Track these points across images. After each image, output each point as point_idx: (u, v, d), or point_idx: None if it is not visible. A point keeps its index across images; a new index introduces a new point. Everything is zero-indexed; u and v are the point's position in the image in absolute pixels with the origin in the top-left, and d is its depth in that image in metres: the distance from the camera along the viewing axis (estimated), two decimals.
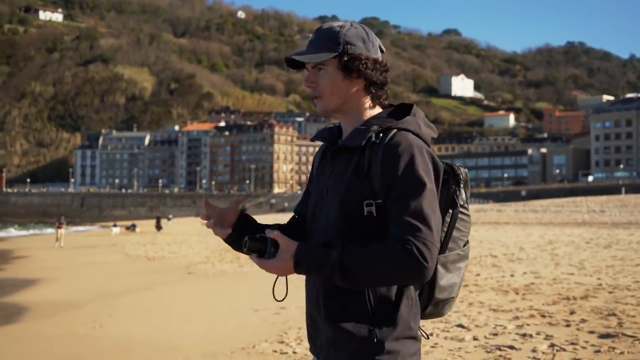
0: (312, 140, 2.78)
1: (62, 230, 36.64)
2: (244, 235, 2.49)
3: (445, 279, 2.56)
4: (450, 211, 2.56)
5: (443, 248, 2.54)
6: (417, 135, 2.51)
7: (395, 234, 2.36)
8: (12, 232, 69.89)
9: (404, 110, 2.64)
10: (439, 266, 2.52)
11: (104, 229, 67.84)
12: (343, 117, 2.65)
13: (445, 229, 2.55)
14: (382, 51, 2.65)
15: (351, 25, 2.61)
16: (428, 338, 2.73)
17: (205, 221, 2.68)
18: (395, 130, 2.50)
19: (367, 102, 2.62)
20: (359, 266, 2.33)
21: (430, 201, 2.40)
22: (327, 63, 2.57)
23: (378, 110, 2.64)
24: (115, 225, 58.61)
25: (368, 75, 2.56)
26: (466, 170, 2.65)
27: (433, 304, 2.61)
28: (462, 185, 2.59)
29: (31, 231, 71.82)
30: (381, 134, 2.50)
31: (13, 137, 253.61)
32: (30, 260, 27.04)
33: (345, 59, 2.53)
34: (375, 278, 2.37)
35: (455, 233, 2.59)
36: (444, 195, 2.56)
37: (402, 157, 2.42)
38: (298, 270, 2.40)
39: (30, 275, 20.42)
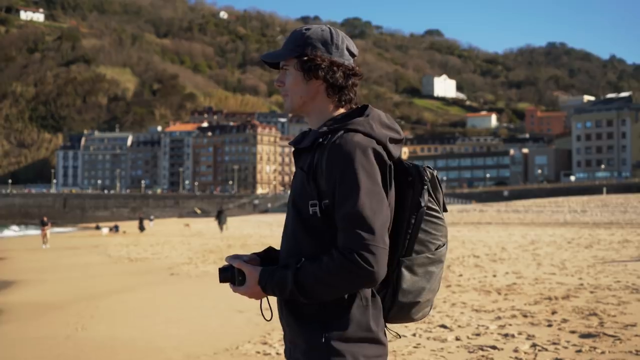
0: (290, 144, 2.86)
1: (47, 232, 36.72)
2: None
3: (409, 282, 2.53)
4: (415, 214, 2.54)
5: (407, 250, 2.53)
6: (369, 135, 2.51)
7: (339, 243, 2.41)
8: (6, 232, 69.61)
9: (362, 111, 2.64)
10: (403, 269, 2.52)
11: (90, 231, 67.39)
12: (308, 118, 2.71)
13: (410, 231, 2.54)
14: (352, 55, 2.69)
15: (321, 28, 2.66)
16: (399, 337, 2.81)
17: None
18: (342, 132, 2.51)
19: (331, 104, 2.66)
20: (313, 283, 2.41)
21: (370, 203, 2.41)
22: (289, 64, 2.66)
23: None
24: (98, 227, 58.44)
25: (325, 78, 2.61)
26: (433, 171, 2.62)
27: (398, 308, 2.57)
28: (426, 187, 2.56)
29: (20, 232, 71.45)
30: (329, 135, 2.53)
31: None
32: (12, 262, 26.89)
33: (304, 59, 2.61)
34: (331, 291, 2.43)
35: (422, 235, 2.55)
36: (409, 197, 2.56)
37: (343, 158, 2.44)
38: (267, 293, 2.54)
39: (12, 276, 20.31)
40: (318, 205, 2.49)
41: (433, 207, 2.58)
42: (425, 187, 2.56)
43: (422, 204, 2.54)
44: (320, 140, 2.54)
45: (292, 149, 2.62)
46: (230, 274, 2.63)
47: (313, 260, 2.44)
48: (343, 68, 2.63)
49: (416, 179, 2.57)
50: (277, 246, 2.77)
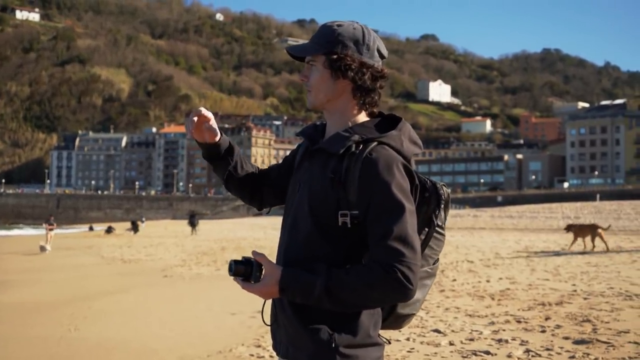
0: (297, 135, 2.79)
1: (51, 232, 35.20)
2: (225, 158, 2.75)
3: None
4: (426, 229, 2.57)
5: None
6: (398, 151, 2.47)
7: (379, 258, 2.34)
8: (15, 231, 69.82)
9: (391, 122, 2.60)
10: None
11: (89, 231, 67.22)
12: (329, 116, 2.63)
13: None
14: (382, 57, 2.61)
15: (353, 26, 2.57)
16: (389, 343, 2.81)
17: (195, 118, 2.64)
18: (375, 144, 2.46)
19: (355, 106, 2.58)
20: (346, 292, 2.33)
21: (411, 222, 2.38)
22: (316, 59, 2.56)
23: (364, 116, 2.61)
24: (91, 229, 58.35)
25: (353, 79, 2.53)
26: (449, 190, 2.64)
27: (393, 318, 2.62)
28: (442, 206, 2.59)
29: (20, 232, 71.48)
30: (361, 145, 2.46)
31: None
32: (5, 262, 26.80)
33: (333, 57, 2.52)
34: (362, 302, 2.39)
35: (427, 251, 2.59)
36: (423, 213, 2.55)
37: (382, 174, 2.39)
38: (283, 295, 2.42)
39: (5, 276, 20.24)
40: (349, 215, 2.42)
41: (441, 224, 2.61)
42: (442, 206, 2.59)
43: (438, 223, 2.59)
44: (354, 149, 2.47)
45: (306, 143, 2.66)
46: (249, 268, 2.44)
47: (345, 270, 2.38)
48: (372, 70, 2.54)
49: (433, 196, 2.57)
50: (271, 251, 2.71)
